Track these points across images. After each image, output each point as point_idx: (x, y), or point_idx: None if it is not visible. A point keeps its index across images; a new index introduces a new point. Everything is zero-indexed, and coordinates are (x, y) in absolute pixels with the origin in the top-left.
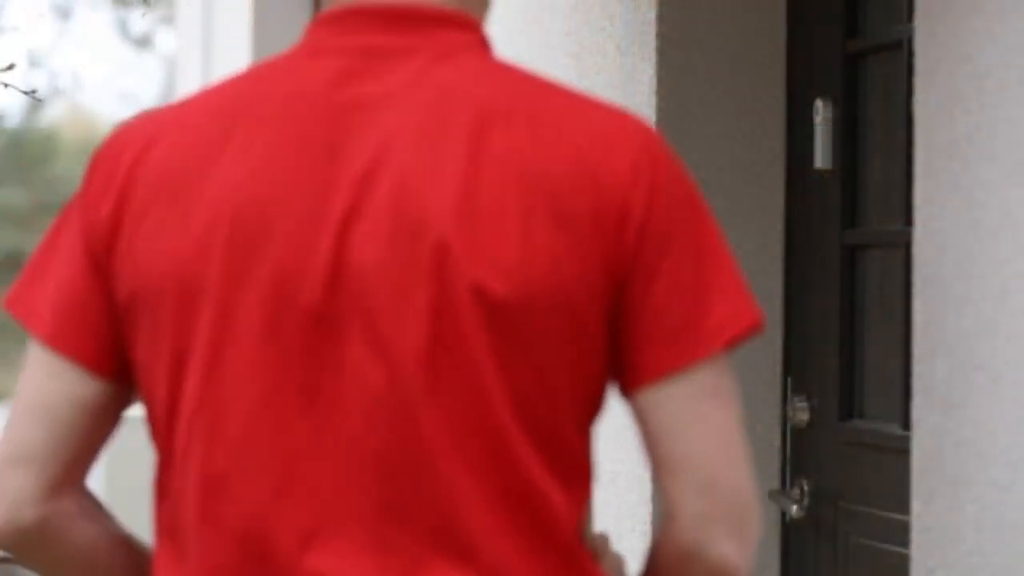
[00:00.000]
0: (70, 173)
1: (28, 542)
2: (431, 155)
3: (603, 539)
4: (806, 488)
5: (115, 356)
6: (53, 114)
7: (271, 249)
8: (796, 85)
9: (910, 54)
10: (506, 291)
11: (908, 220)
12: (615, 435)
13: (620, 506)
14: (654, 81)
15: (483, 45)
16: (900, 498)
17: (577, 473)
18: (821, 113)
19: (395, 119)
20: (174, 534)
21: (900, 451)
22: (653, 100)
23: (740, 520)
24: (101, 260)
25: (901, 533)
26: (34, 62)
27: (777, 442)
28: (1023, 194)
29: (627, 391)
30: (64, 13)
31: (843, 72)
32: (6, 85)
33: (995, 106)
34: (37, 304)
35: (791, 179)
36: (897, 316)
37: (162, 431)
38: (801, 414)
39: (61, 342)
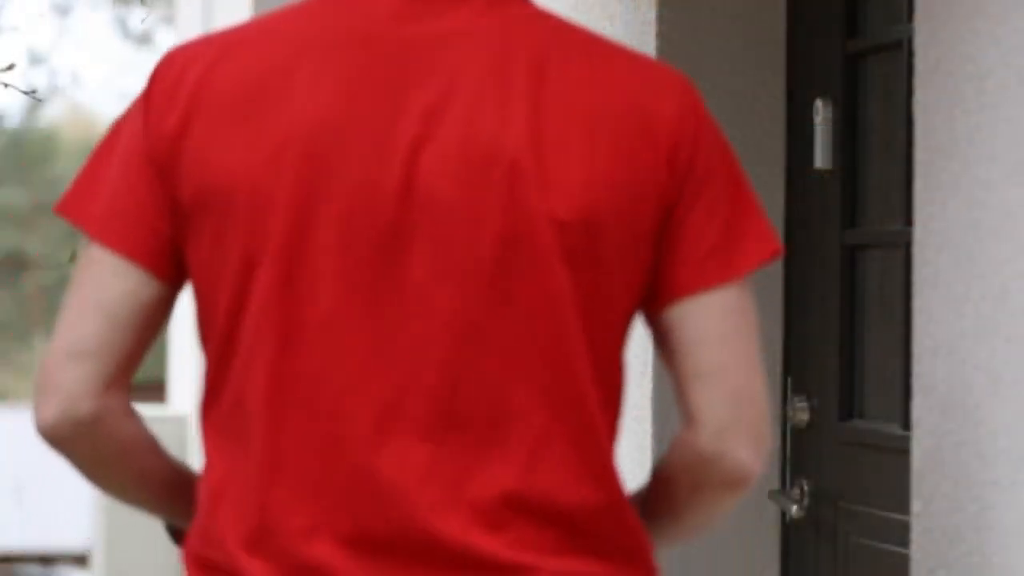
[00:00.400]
0: (70, 173)
1: (80, 434)
2: (496, 90)
3: None
4: (806, 488)
5: (171, 258)
6: (53, 114)
7: (345, 169)
8: (796, 85)
9: (910, 54)
10: (573, 214)
11: (908, 220)
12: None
13: None
14: None
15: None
16: (900, 498)
17: (614, 396)
18: (821, 113)
19: (458, 56)
20: (230, 432)
21: (900, 451)
22: None
23: (758, 429)
24: (165, 168)
25: (901, 533)
26: (34, 61)
27: (777, 442)
28: (1023, 194)
29: (661, 306)
30: (63, 12)
31: (843, 72)
32: (6, 85)
33: (995, 106)
34: (94, 209)
35: (791, 179)
36: (897, 316)
37: (222, 331)
38: (801, 414)
39: (122, 243)
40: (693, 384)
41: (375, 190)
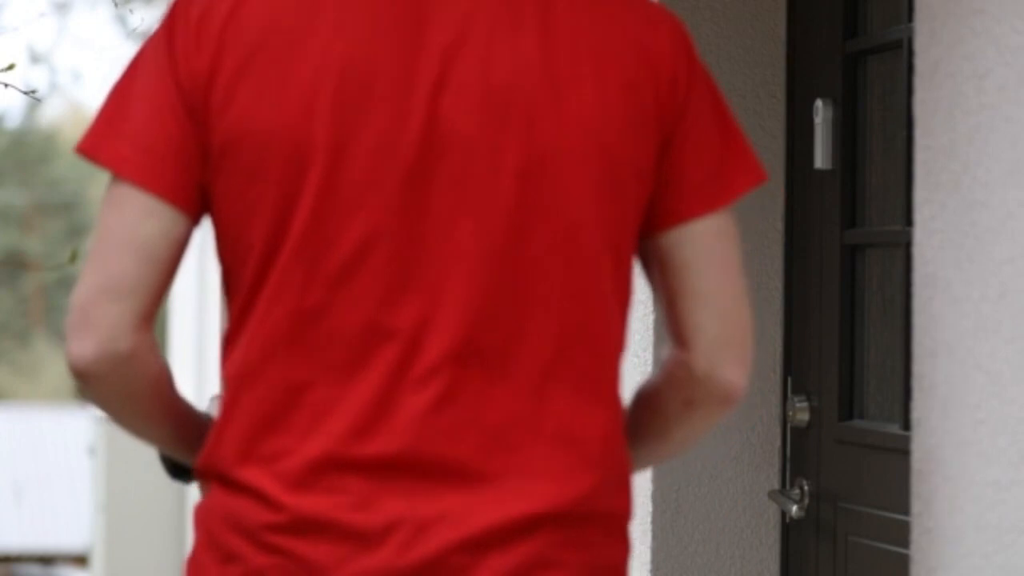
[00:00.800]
0: (70, 173)
1: (117, 370)
2: (508, 28)
3: None
4: (806, 488)
5: (199, 194)
6: (53, 114)
7: (371, 109)
8: (796, 85)
9: (910, 54)
10: (588, 145)
11: (908, 220)
12: None
13: None
14: None
15: None
16: (900, 498)
17: (625, 317)
18: (821, 113)
19: (472, 9)
20: (261, 358)
21: (900, 451)
22: None
23: (745, 346)
24: (196, 107)
25: (901, 533)
26: (34, 61)
27: (777, 442)
28: (1023, 194)
29: (658, 231)
30: (63, 11)
31: (843, 72)
32: (6, 85)
33: (995, 106)
34: (122, 148)
35: (791, 179)
36: (897, 316)
37: (256, 266)
38: (801, 414)
39: (155, 182)
40: (686, 304)
41: (400, 129)
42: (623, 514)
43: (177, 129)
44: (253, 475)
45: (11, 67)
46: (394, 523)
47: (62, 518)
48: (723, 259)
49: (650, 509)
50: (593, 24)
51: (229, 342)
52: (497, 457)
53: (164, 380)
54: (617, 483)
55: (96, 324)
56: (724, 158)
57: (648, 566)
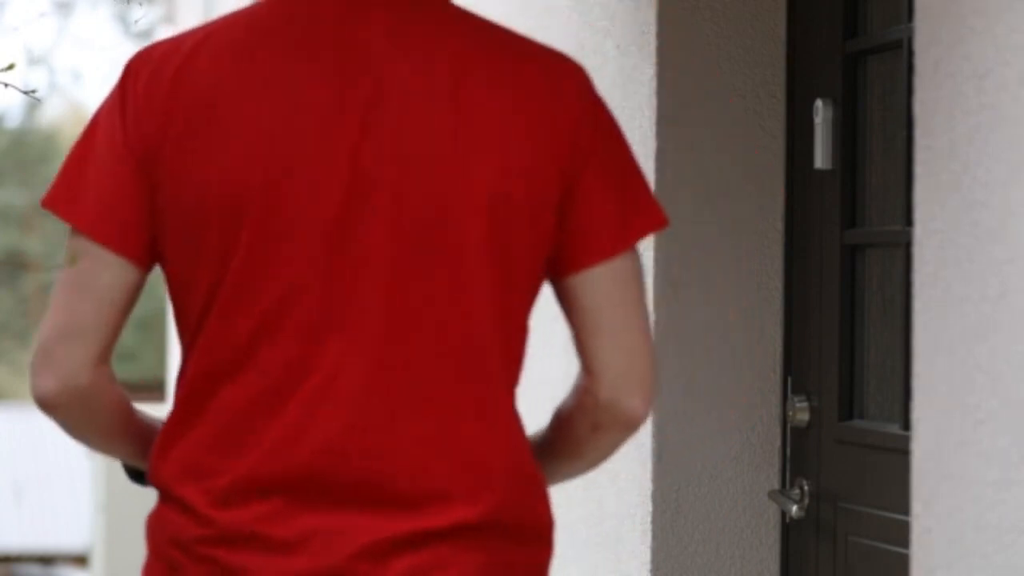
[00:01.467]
0: None
1: (78, 401)
2: (422, 89)
3: None
4: (806, 488)
5: (151, 247)
6: (53, 114)
7: (299, 168)
8: (796, 85)
9: (910, 54)
10: (489, 200)
11: (908, 220)
12: None
13: (620, 506)
14: (654, 81)
15: None
16: (900, 498)
17: (517, 358)
18: (821, 113)
19: (388, 57)
20: (223, 350)
21: (900, 451)
22: (653, 100)
23: (646, 377)
24: (147, 167)
25: (901, 533)
26: (34, 61)
27: (777, 442)
28: (1023, 194)
29: (563, 275)
30: (64, 11)
31: (843, 72)
32: (6, 85)
33: (995, 106)
34: (83, 205)
35: (791, 179)
36: (897, 316)
37: (200, 308)
38: (801, 414)
39: (112, 239)
40: (591, 341)
41: (325, 185)
42: (533, 524)
43: (131, 188)
44: (188, 492)
45: (11, 67)
46: (309, 534)
47: (62, 518)
48: (624, 299)
49: (650, 509)
50: (503, 84)
51: (180, 370)
52: (406, 477)
53: (122, 406)
54: (524, 497)
55: (58, 363)
56: (623, 205)
57: (648, 566)
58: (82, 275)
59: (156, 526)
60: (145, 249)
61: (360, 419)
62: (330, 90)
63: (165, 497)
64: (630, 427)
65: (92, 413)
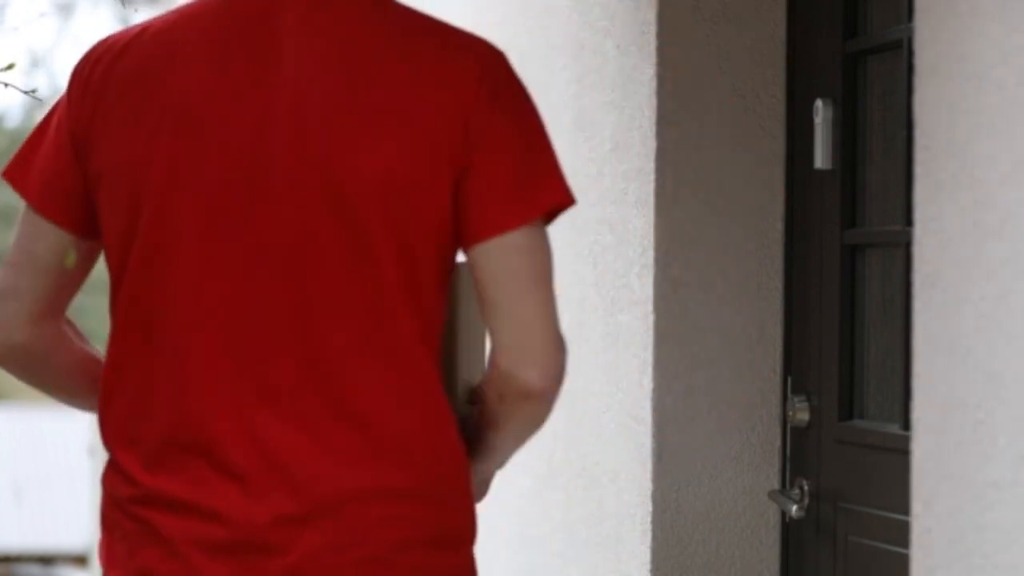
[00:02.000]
0: None
1: (17, 359)
2: (326, 73)
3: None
4: (806, 488)
5: (87, 218)
6: None
7: (200, 150)
8: (796, 85)
9: (910, 54)
10: (383, 181)
11: (908, 220)
12: (615, 435)
13: (620, 506)
14: (654, 81)
15: None
16: (900, 498)
17: (433, 328)
18: (821, 113)
19: (296, 44)
20: (134, 325)
21: (900, 451)
22: (653, 100)
23: (544, 352)
24: (80, 147)
25: (901, 533)
26: (35, 62)
27: (777, 442)
28: (1023, 194)
29: (466, 247)
30: (65, 11)
31: (843, 72)
32: (6, 85)
33: (995, 106)
34: (31, 179)
35: (791, 179)
36: (897, 316)
37: (118, 261)
38: (801, 414)
39: (50, 211)
40: (490, 313)
41: (227, 168)
42: (448, 497)
43: (68, 166)
44: (123, 456)
45: (11, 67)
46: (226, 501)
47: (62, 518)
48: (519, 273)
49: (650, 509)
50: (401, 69)
51: (109, 338)
52: (309, 448)
53: (82, 365)
54: (443, 470)
55: None
56: (520, 181)
57: (648, 566)
58: (23, 240)
59: (104, 487)
60: (80, 222)
61: (264, 389)
62: (239, 79)
63: (109, 461)
64: (531, 399)
65: (39, 368)
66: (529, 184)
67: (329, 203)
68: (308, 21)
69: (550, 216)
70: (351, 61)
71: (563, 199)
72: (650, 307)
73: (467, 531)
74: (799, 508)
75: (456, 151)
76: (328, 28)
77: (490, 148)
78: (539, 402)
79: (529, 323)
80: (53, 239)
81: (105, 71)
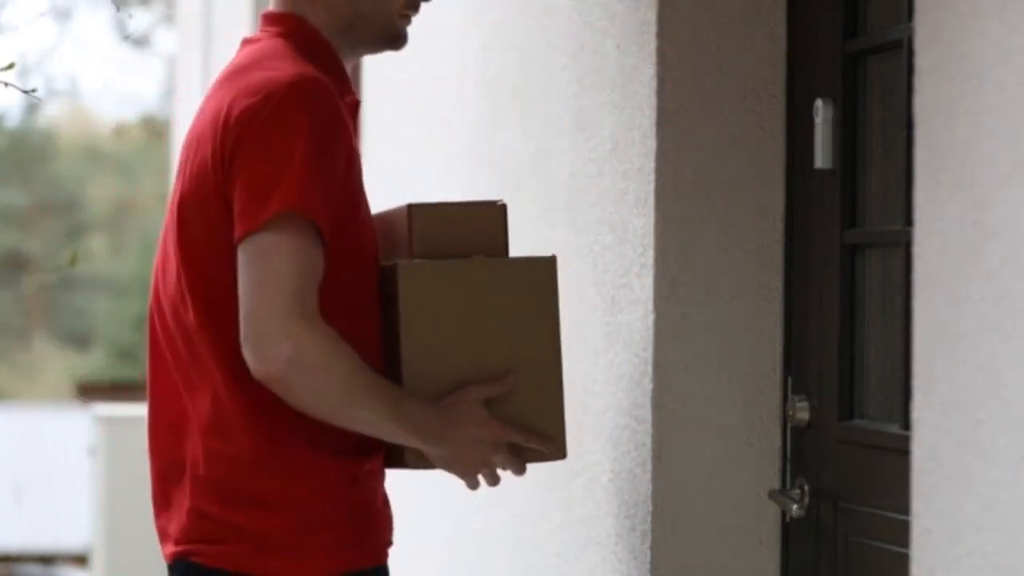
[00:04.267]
0: (70, 173)
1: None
2: (199, 116)
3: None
4: (806, 488)
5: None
6: (53, 114)
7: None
8: (796, 85)
9: (910, 54)
10: (181, 197)
11: (908, 220)
12: (615, 435)
13: (620, 506)
14: (654, 81)
15: (279, 35)
16: (900, 498)
17: (226, 331)
18: (821, 113)
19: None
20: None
21: (900, 451)
22: (653, 100)
23: (256, 341)
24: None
25: (901, 533)
26: (35, 62)
27: (777, 442)
28: (1023, 194)
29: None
30: (64, 13)
31: (843, 72)
32: (6, 85)
33: (995, 106)
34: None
35: (791, 179)
36: (897, 316)
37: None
38: (801, 414)
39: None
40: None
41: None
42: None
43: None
44: None
45: (11, 67)
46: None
47: (62, 518)
48: (248, 272)
49: (650, 509)
50: (213, 106)
51: None
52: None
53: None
54: (251, 508)
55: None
56: (261, 193)
57: (648, 566)
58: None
59: None
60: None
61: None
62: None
63: None
64: (261, 379)
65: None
66: (269, 194)
67: (167, 230)
68: (221, 80)
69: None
70: (207, 99)
71: (288, 203)
72: (650, 307)
73: None
74: (799, 508)
75: (221, 175)
76: (225, 76)
77: (238, 173)
78: (273, 382)
79: (250, 314)
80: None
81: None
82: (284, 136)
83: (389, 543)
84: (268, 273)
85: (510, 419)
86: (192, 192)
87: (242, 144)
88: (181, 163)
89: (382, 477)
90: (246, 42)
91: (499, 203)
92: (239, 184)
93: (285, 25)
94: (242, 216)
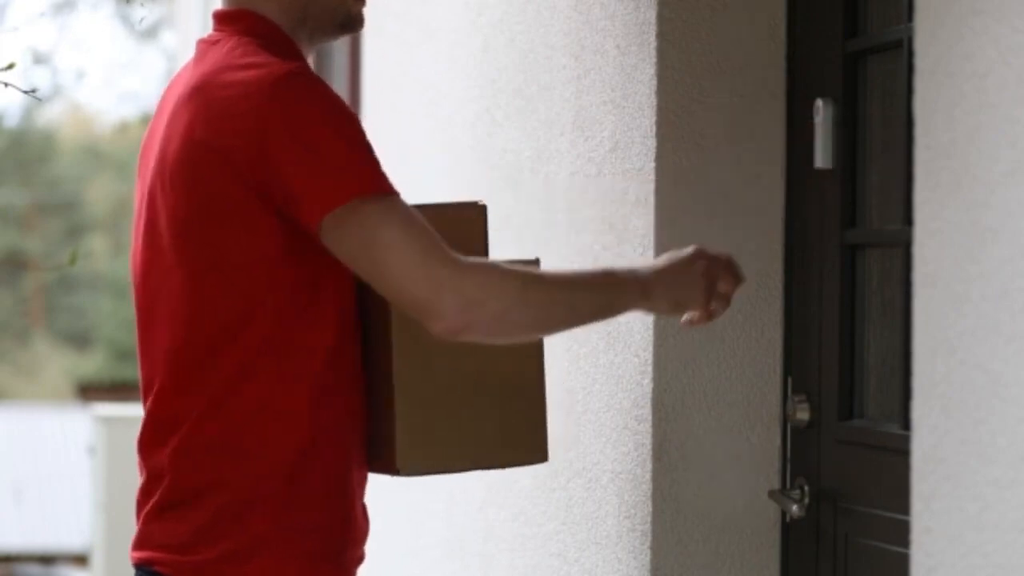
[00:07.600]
0: (70, 173)
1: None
2: (161, 123)
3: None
4: (806, 488)
5: None
6: (53, 114)
7: (141, 188)
8: (796, 85)
9: (910, 54)
10: (180, 213)
11: (908, 220)
12: (614, 435)
13: (620, 506)
14: (654, 81)
15: (239, 33)
16: (900, 498)
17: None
18: (821, 113)
19: (171, 98)
20: None
21: (900, 451)
22: (653, 100)
23: (426, 311)
24: None
25: (901, 533)
26: (35, 61)
27: (777, 442)
28: (1023, 194)
29: None
30: (64, 11)
31: (843, 72)
32: (6, 85)
33: (995, 106)
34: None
35: (791, 179)
36: (897, 316)
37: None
38: (801, 414)
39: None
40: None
41: (141, 204)
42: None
43: None
44: None
45: (11, 66)
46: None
47: (62, 518)
48: (373, 255)
49: (650, 509)
50: (197, 120)
51: None
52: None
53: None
54: (223, 525)
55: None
56: (330, 191)
57: (648, 566)
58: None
59: None
60: None
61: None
62: (157, 122)
63: None
64: (455, 338)
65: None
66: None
67: (150, 236)
68: (184, 81)
69: None
70: (177, 105)
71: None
72: None
73: None
74: (799, 508)
75: (250, 177)
76: (187, 82)
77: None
78: None
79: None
80: None
81: None
82: (319, 123)
83: (361, 558)
84: (388, 247)
85: (493, 396)
86: (204, 211)
87: (274, 147)
88: (162, 184)
89: (363, 487)
90: (204, 43)
91: (480, 203)
92: (297, 186)
93: (243, 23)
94: (328, 217)
